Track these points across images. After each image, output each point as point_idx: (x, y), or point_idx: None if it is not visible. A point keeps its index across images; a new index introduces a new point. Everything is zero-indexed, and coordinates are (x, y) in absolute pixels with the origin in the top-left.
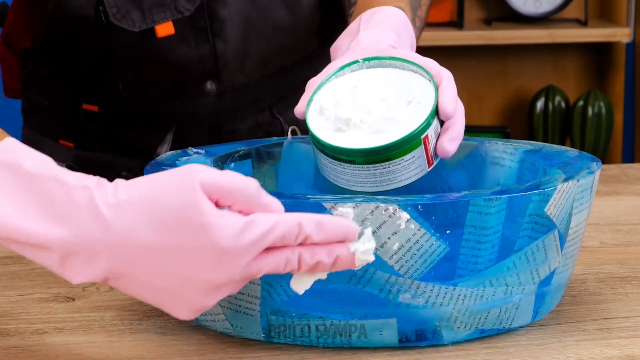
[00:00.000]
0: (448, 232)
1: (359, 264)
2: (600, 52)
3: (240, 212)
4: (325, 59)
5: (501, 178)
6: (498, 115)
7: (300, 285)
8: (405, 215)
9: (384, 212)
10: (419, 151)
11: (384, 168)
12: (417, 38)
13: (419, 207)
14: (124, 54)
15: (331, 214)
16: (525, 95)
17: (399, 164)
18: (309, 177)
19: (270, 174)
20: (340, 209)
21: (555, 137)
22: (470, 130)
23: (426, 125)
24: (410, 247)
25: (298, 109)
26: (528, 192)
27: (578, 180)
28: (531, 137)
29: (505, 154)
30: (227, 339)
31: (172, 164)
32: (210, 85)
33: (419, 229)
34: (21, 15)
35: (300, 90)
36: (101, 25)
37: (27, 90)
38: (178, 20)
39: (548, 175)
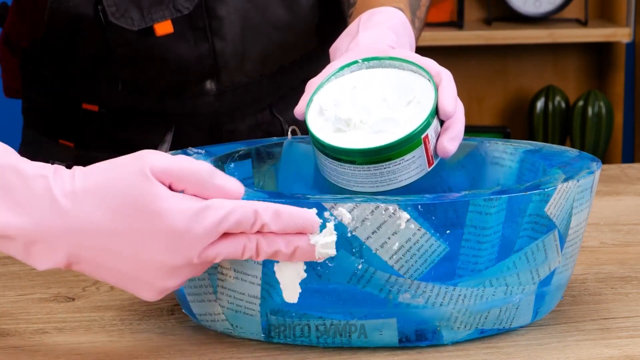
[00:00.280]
0: (448, 232)
1: (319, 256)
2: (600, 52)
3: (196, 196)
4: (325, 59)
5: (501, 178)
6: (498, 115)
7: (291, 293)
8: (405, 215)
9: (384, 212)
10: (419, 151)
11: (384, 168)
12: (416, 39)
13: (419, 207)
14: (123, 53)
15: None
16: (525, 95)
17: (399, 164)
18: (309, 177)
19: (270, 174)
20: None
21: (555, 137)
22: (470, 130)
23: (426, 125)
24: (410, 247)
25: (298, 110)
26: (528, 192)
27: (578, 180)
28: (531, 137)
29: (505, 154)
30: (227, 339)
31: None
32: (209, 85)
33: (419, 229)
34: (21, 15)
35: (300, 89)
36: (100, 24)
37: (27, 90)
38: (177, 18)
39: (548, 175)
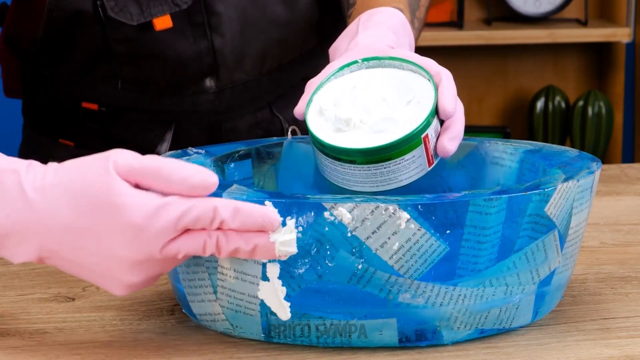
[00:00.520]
0: (448, 232)
1: (279, 254)
2: (600, 52)
3: (164, 194)
4: (325, 57)
5: (501, 178)
6: (498, 115)
7: (281, 311)
8: (405, 215)
9: (384, 212)
10: (419, 150)
11: (384, 168)
12: (416, 39)
13: (419, 207)
14: (122, 49)
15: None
16: (525, 95)
17: (399, 163)
18: (309, 177)
19: (270, 174)
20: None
21: (555, 137)
22: (470, 130)
23: (426, 124)
24: (410, 247)
25: (298, 110)
26: (528, 192)
27: (578, 180)
28: (531, 137)
29: (505, 154)
30: (227, 339)
31: None
32: (209, 83)
33: (419, 229)
34: (21, 14)
35: (300, 88)
36: (99, 19)
37: (27, 90)
38: (175, 14)
39: (548, 175)
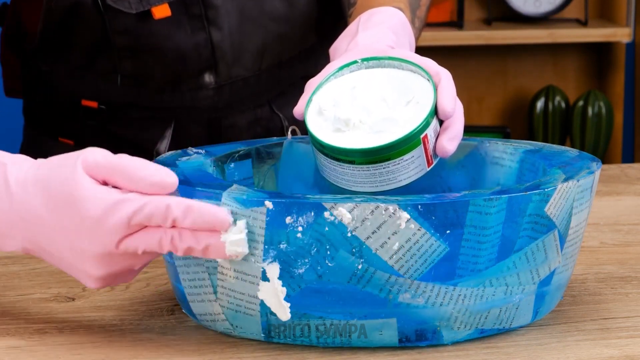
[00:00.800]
0: (448, 232)
1: (229, 254)
2: (600, 52)
3: (129, 191)
4: (325, 56)
5: (501, 178)
6: (498, 115)
7: (281, 311)
8: (405, 215)
9: (384, 212)
10: (419, 151)
11: (384, 168)
12: (417, 38)
13: (419, 207)
14: (121, 41)
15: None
16: (525, 95)
17: (399, 163)
18: (309, 177)
19: (270, 174)
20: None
21: (555, 137)
22: (470, 130)
23: (425, 124)
24: (410, 247)
25: (297, 110)
26: (528, 192)
27: (578, 180)
28: (531, 137)
29: (505, 154)
30: (227, 339)
31: (172, 164)
32: (208, 78)
33: (419, 229)
34: (20, 9)
35: (300, 86)
36: (98, 10)
37: (27, 89)
38: (174, 4)
39: (548, 175)
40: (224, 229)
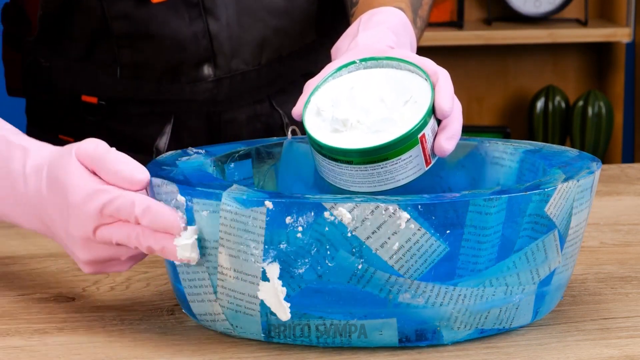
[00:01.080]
0: (448, 232)
1: (180, 258)
2: (600, 52)
3: (110, 183)
4: (325, 53)
5: (501, 178)
6: (498, 115)
7: (281, 311)
8: (405, 215)
9: (384, 212)
10: (416, 150)
11: (381, 168)
12: (419, 38)
13: (419, 207)
14: (120, 28)
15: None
16: (525, 95)
17: (397, 163)
18: (309, 177)
19: (270, 174)
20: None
21: (555, 137)
22: (470, 130)
23: (423, 124)
24: (410, 247)
25: (295, 111)
26: (528, 192)
27: (578, 180)
28: (531, 137)
29: (505, 154)
30: (227, 339)
31: (172, 164)
32: (207, 70)
33: (419, 229)
34: (19, 6)
35: (301, 84)
36: None
37: (27, 86)
38: None
39: (548, 175)
40: (176, 233)
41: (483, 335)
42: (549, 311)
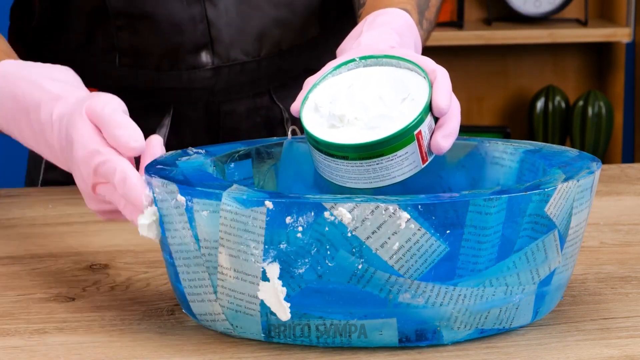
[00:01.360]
0: (448, 232)
1: (141, 234)
2: (600, 52)
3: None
4: (329, 49)
5: (501, 178)
6: (498, 115)
7: (281, 311)
8: (405, 215)
9: (384, 212)
10: (412, 147)
11: (377, 164)
12: (425, 40)
13: (419, 207)
14: (116, 5)
15: (328, 210)
16: (525, 95)
17: (392, 159)
18: (309, 177)
19: (270, 174)
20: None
21: (555, 137)
22: (470, 130)
23: (419, 120)
24: (410, 247)
25: (294, 107)
26: (528, 192)
27: (578, 180)
28: (531, 137)
29: (505, 154)
30: (227, 339)
31: (172, 164)
32: (205, 57)
33: (419, 229)
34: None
35: (303, 80)
36: None
37: None
38: None
39: (548, 175)
40: (140, 208)
41: (483, 335)
42: (549, 311)
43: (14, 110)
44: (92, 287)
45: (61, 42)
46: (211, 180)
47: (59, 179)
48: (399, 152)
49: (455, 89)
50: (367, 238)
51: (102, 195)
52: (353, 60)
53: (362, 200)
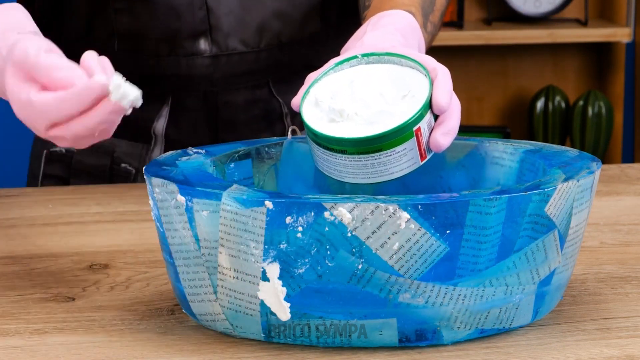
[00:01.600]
0: (448, 232)
1: (114, 98)
2: (600, 52)
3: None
4: (330, 45)
5: (501, 178)
6: (498, 115)
7: (282, 311)
8: (405, 215)
9: (384, 212)
10: (411, 143)
11: (375, 159)
12: (429, 43)
13: (419, 207)
14: None
15: (327, 211)
16: (525, 95)
17: (391, 155)
18: (309, 177)
19: (270, 174)
20: None
21: (555, 137)
22: (470, 130)
23: (418, 117)
24: (410, 247)
25: (294, 101)
26: (528, 192)
27: (578, 180)
28: (531, 137)
29: (505, 154)
30: (227, 339)
31: (172, 164)
32: (204, 45)
33: (419, 229)
34: None
35: (303, 75)
36: None
37: None
38: None
39: (548, 175)
40: (106, 94)
41: (483, 335)
42: (549, 311)
43: None
44: (92, 287)
45: (61, 32)
46: (211, 180)
47: (59, 173)
48: (398, 148)
49: (455, 89)
50: (367, 238)
51: (58, 136)
52: (355, 57)
53: (362, 201)
